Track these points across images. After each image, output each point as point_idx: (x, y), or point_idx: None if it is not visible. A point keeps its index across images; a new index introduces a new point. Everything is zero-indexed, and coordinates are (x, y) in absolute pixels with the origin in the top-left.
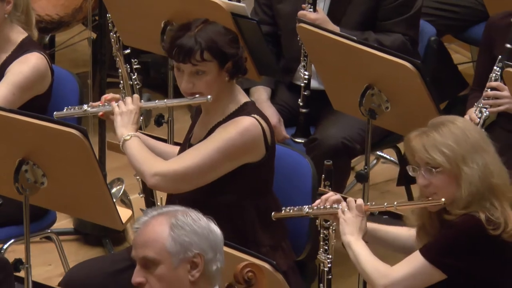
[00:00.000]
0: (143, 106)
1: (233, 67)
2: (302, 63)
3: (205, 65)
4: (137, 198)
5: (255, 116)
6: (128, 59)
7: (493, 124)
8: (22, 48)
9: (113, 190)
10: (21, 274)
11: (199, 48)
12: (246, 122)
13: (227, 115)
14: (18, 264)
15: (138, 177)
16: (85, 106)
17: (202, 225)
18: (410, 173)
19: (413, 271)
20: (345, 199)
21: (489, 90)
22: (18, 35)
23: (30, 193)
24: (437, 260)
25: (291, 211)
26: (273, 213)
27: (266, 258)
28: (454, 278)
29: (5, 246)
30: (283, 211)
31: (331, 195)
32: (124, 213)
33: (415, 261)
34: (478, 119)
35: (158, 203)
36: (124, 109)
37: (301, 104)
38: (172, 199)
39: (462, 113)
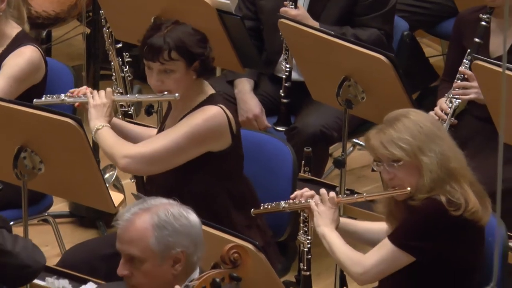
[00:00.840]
0: (115, 99)
1: (200, 66)
2: (284, 56)
3: (173, 64)
4: (128, 183)
5: (221, 105)
6: (120, 52)
7: (463, 112)
8: (17, 42)
9: (106, 175)
10: None
11: (167, 48)
12: (213, 110)
13: (195, 106)
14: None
15: None
16: (62, 96)
17: (183, 223)
18: (375, 169)
19: (383, 257)
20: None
21: (459, 80)
22: (13, 29)
23: (28, 178)
24: (404, 245)
25: (269, 206)
26: (252, 210)
27: (249, 239)
28: (422, 259)
29: None
30: (261, 207)
31: (306, 191)
32: (116, 197)
33: (384, 247)
34: (449, 108)
35: (148, 188)
36: (98, 102)
37: (282, 94)
38: (150, 188)
39: (433, 103)
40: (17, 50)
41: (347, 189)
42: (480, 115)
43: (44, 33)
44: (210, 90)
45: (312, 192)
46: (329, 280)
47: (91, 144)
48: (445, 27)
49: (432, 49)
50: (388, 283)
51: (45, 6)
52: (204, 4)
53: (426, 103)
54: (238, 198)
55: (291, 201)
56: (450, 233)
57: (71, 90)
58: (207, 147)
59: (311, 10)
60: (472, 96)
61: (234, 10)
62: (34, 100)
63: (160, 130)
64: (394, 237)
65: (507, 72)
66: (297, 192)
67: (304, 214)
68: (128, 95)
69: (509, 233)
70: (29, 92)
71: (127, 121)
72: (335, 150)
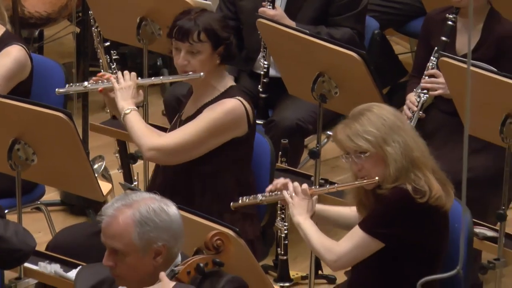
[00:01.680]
0: (139, 83)
1: (224, 50)
2: (262, 54)
3: (200, 46)
4: (116, 173)
5: (239, 98)
6: (108, 50)
7: (431, 107)
8: (3, 42)
9: (95, 166)
10: None
11: (197, 29)
12: (231, 103)
13: (215, 97)
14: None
15: (117, 155)
16: (85, 83)
17: (163, 218)
18: (344, 161)
19: (355, 244)
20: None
21: (427, 77)
22: None
23: (22, 169)
24: (373, 231)
25: (247, 200)
26: (231, 203)
27: (228, 224)
28: (391, 245)
29: None
30: (240, 201)
31: (281, 180)
32: (104, 187)
33: (355, 235)
34: (417, 103)
35: (135, 178)
36: (123, 85)
37: (260, 90)
38: (157, 169)
39: (402, 97)
40: (4, 50)
41: (321, 179)
42: (446, 109)
43: (37, 33)
44: (230, 82)
45: (287, 180)
46: (305, 264)
47: (81, 137)
48: (413, 26)
49: (401, 47)
50: (360, 269)
51: (38, 7)
52: (187, 5)
53: (395, 97)
54: (244, 186)
55: (267, 194)
56: (416, 219)
57: (94, 78)
58: (226, 138)
59: (288, 10)
60: (439, 91)
61: (215, 10)
62: (57, 89)
63: (179, 115)
64: (364, 225)
65: (472, 68)
66: (272, 185)
67: (281, 203)
68: (153, 78)
69: (474, 220)
70: (17, 87)
71: None
72: (310, 141)
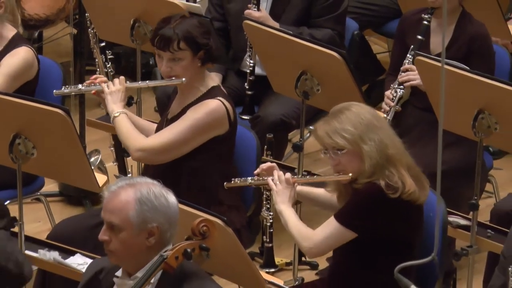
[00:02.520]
0: (128, 86)
1: (205, 55)
2: (248, 53)
3: (181, 53)
4: (111, 166)
5: (220, 98)
6: (103, 50)
7: (407, 103)
8: (13, 43)
9: (92, 159)
10: (15, 229)
11: (177, 38)
12: (213, 104)
13: (198, 97)
14: (13, 221)
15: (112, 149)
16: (79, 85)
17: (162, 202)
18: (322, 156)
19: (330, 233)
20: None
21: (403, 73)
22: (9, 32)
23: (22, 162)
24: (347, 222)
25: (239, 181)
26: (225, 183)
27: (218, 214)
28: (363, 235)
29: None
30: (232, 182)
31: (268, 164)
32: (100, 178)
33: (331, 224)
34: (394, 97)
35: (129, 170)
36: (113, 89)
37: (247, 87)
38: (148, 166)
39: (380, 94)
40: (13, 51)
41: (304, 171)
42: (421, 106)
43: (36, 34)
44: (212, 82)
45: (273, 164)
46: (289, 251)
47: (78, 132)
48: (391, 27)
49: (379, 47)
50: (340, 256)
51: (37, 9)
52: (177, 7)
53: (374, 94)
54: (228, 179)
55: (255, 177)
56: (387, 213)
57: (87, 82)
58: (209, 136)
59: (272, 12)
60: (416, 82)
61: (204, 12)
62: (54, 91)
63: (165, 114)
64: (339, 216)
65: (446, 67)
66: (259, 168)
67: (267, 193)
68: (140, 82)
69: (448, 209)
70: (24, 87)
71: None
72: (294, 136)
